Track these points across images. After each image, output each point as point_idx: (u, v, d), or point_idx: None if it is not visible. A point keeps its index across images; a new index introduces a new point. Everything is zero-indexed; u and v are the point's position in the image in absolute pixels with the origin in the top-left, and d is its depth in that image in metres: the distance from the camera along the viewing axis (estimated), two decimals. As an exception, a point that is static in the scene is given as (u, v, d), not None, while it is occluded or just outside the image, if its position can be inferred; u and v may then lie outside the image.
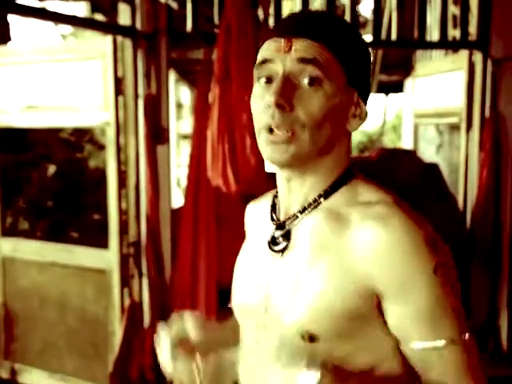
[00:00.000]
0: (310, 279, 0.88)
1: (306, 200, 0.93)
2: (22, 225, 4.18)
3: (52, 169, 4.40)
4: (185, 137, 8.66)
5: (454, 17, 4.08)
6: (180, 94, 8.68)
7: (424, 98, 4.29)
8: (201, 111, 2.85)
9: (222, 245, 2.96)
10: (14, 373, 3.32)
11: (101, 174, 3.85)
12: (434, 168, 3.61)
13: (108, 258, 2.95)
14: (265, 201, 1.07)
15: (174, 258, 2.98)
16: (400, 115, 9.90)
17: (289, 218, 0.94)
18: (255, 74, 0.92)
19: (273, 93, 0.85)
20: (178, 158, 7.86)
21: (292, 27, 0.89)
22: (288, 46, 0.87)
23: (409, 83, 5.40)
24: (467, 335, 0.86)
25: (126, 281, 2.96)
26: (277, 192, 1.00)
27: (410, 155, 3.74)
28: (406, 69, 5.61)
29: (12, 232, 3.64)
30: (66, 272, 3.08)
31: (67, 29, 10.35)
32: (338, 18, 0.95)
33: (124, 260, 2.95)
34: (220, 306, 3.04)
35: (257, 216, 1.08)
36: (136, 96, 2.88)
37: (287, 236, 0.94)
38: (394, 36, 3.37)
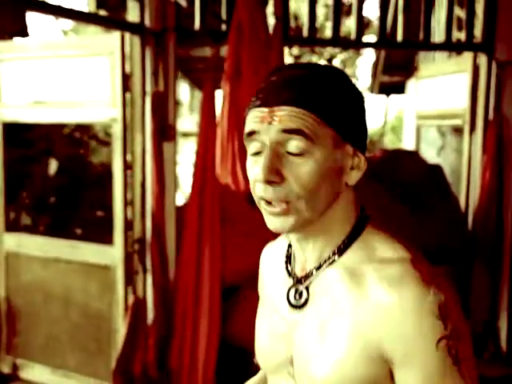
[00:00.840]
0: (327, 341, 0.88)
1: (321, 256, 0.92)
2: (24, 220, 4.18)
3: (55, 164, 4.40)
4: (184, 135, 8.67)
5: (459, 19, 4.10)
6: (180, 91, 8.70)
7: (427, 100, 4.31)
8: (207, 109, 2.85)
9: (226, 242, 2.97)
10: (15, 368, 3.32)
11: (104, 170, 3.86)
12: (436, 169, 3.63)
13: (113, 255, 2.96)
14: (279, 246, 1.06)
15: (179, 255, 2.99)
16: (400, 116, 9.94)
17: (306, 275, 0.94)
18: (246, 144, 0.91)
19: (261, 169, 0.84)
20: (178, 155, 7.87)
21: (273, 95, 0.86)
22: (271, 117, 0.85)
23: (411, 84, 5.42)
24: None
25: (130, 277, 2.96)
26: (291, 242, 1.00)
27: (414, 156, 3.76)
28: (408, 70, 5.63)
29: (14, 227, 3.63)
30: (70, 268, 3.09)
31: (68, 24, 10.35)
32: (320, 71, 0.89)
33: (128, 256, 2.95)
34: (223, 303, 3.05)
35: (272, 263, 1.07)
36: (143, 93, 2.88)
37: (306, 292, 0.94)
38: (399, 37, 3.39)
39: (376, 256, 0.88)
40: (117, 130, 2.87)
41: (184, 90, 9.85)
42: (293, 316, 0.95)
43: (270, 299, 1.03)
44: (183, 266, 2.95)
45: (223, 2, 2.94)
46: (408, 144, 5.03)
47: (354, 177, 0.90)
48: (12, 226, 3.52)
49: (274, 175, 0.84)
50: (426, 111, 4.39)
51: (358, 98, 0.91)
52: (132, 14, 2.90)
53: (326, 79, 0.88)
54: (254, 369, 1.20)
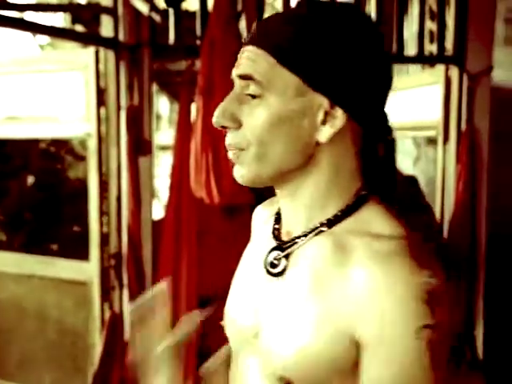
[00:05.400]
0: (301, 316, 0.79)
1: (308, 223, 0.83)
2: (-1, 236, 4.13)
3: (30, 180, 4.36)
4: (163, 148, 8.64)
5: (431, 32, 4.16)
6: (159, 105, 8.69)
7: (402, 111, 4.36)
8: (183, 122, 2.85)
9: (202, 257, 2.96)
10: (-10, 387, 3.27)
11: (80, 185, 3.83)
12: (412, 180, 3.67)
13: (88, 270, 2.93)
14: (273, 207, 0.97)
15: (155, 270, 2.97)
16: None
17: (290, 241, 0.84)
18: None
19: (215, 111, 0.81)
20: (157, 168, 7.85)
21: (248, 37, 0.83)
22: (239, 58, 0.82)
23: (386, 96, 5.48)
24: None
25: (106, 293, 2.94)
26: None
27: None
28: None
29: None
30: (45, 284, 3.05)
31: (45, 39, 10.30)
32: (317, 10, 0.79)
33: (104, 272, 2.93)
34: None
35: (263, 222, 0.98)
36: (118, 108, 2.87)
37: (285, 260, 0.84)
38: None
39: (369, 231, 0.78)
40: (92, 145, 2.86)
41: (163, 104, 9.85)
42: (268, 285, 0.85)
43: (251, 261, 0.93)
44: (160, 279, 2.93)
45: (197, 16, 2.96)
46: (384, 155, 5.07)
47: (324, 133, 0.79)
48: (-14, 243, 3.48)
49: (227, 120, 0.80)
50: (401, 123, 4.43)
51: (360, 44, 0.78)
52: (106, 29, 2.90)
53: (314, 19, 0.77)
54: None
